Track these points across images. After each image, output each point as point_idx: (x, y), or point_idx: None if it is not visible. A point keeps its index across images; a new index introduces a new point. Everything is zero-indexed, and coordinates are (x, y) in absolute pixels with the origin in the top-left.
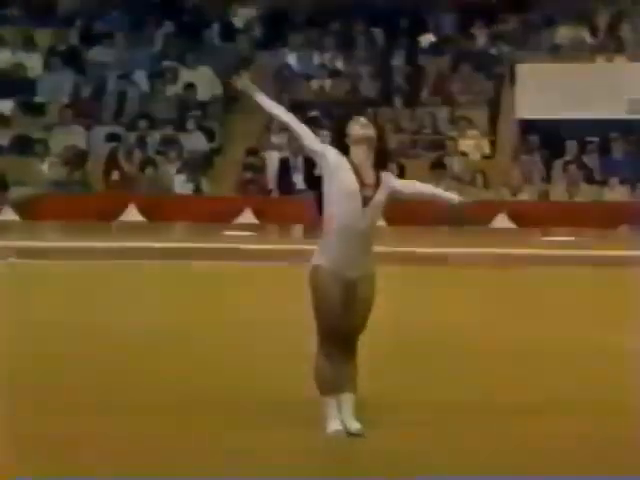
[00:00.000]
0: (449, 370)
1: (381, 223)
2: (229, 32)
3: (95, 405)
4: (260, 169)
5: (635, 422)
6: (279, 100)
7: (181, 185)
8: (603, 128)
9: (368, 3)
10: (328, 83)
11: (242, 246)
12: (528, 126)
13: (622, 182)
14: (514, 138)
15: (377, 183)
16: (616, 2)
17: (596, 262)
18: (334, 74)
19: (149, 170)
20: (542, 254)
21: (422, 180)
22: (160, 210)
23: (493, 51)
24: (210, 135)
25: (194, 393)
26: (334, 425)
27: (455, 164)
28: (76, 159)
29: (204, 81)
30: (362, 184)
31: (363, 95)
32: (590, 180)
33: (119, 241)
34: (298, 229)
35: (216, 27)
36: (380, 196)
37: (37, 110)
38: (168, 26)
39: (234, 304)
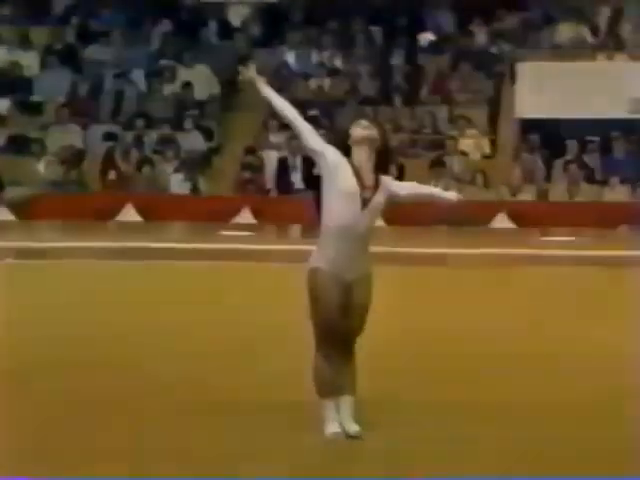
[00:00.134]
0: (449, 370)
1: (380, 223)
2: (227, 30)
3: (95, 405)
4: (258, 168)
5: (635, 423)
6: None
7: (178, 184)
8: (604, 127)
9: (367, 1)
10: (327, 82)
11: (240, 246)
12: (528, 125)
13: (623, 182)
14: (514, 137)
15: (376, 185)
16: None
17: (596, 262)
18: (333, 73)
19: (146, 169)
20: (542, 254)
21: (422, 179)
22: (157, 210)
23: (493, 50)
24: (208, 134)
25: (192, 394)
26: (333, 427)
27: (455, 163)
28: (73, 158)
29: (202, 80)
30: (362, 186)
31: (362, 94)
32: (591, 180)
33: (116, 241)
34: (296, 229)
35: (213, 25)
36: (379, 198)
37: (33, 109)
38: (165, 24)
39: (232, 304)
